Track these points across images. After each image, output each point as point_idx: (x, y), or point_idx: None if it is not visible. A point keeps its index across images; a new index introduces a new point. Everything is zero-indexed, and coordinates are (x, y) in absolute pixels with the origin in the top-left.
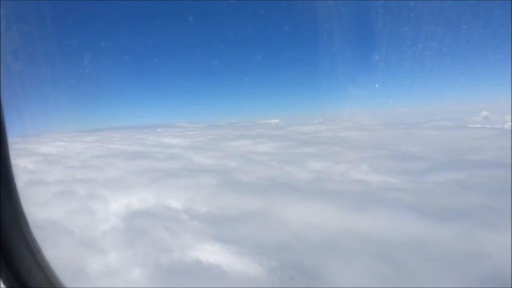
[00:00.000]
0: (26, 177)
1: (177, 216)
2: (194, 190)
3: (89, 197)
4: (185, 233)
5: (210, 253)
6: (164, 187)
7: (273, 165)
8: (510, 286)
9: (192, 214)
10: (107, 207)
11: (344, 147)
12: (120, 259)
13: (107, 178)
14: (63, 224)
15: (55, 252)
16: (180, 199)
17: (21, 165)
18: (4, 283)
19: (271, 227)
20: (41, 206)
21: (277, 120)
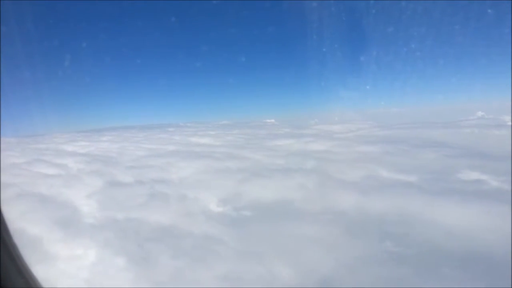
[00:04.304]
0: (96, 179)
1: (327, 220)
2: (308, 191)
3: (183, 199)
4: (365, 239)
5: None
6: (265, 188)
7: (357, 165)
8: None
9: (345, 218)
10: (217, 208)
11: (408, 146)
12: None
13: (182, 178)
14: (197, 232)
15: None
16: (306, 200)
17: (70, 165)
18: None
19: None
20: (147, 210)
21: (272, 120)
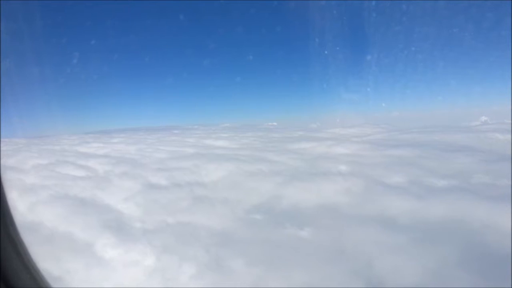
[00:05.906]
0: (129, 182)
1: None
2: (357, 195)
3: (227, 202)
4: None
5: None
6: (310, 191)
7: (395, 168)
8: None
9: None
10: (266, 211)
11: (437, 150)
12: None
13: (216, 181)
14: (258, 237)
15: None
16: (358, 204)
17: (95, 167)
18: None
19: None
20: (195, 214)
21: (274, 123)
